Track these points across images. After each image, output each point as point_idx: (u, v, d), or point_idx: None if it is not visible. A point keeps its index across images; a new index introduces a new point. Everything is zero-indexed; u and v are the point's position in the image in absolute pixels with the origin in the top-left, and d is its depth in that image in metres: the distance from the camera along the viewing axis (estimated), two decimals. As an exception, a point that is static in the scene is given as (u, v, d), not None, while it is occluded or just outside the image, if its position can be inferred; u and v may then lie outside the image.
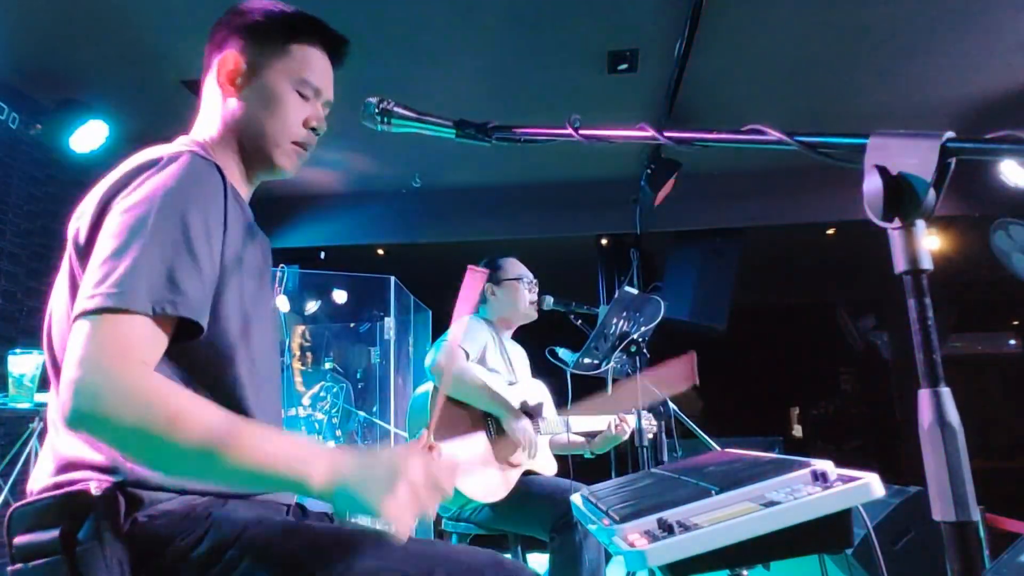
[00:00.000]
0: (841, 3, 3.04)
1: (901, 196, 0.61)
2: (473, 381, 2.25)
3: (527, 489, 2.25)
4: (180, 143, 1.09)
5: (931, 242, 5.09)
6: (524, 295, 2.57)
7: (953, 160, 0.61)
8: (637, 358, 2.14)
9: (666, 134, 0.86)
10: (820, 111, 4.07)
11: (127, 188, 0.93)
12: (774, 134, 0.75)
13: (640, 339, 2.13)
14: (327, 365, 5.41)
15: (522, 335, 2.71)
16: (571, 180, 5.12)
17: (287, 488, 0.85)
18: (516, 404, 2.39)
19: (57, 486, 0.91)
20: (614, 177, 4.99)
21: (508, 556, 2.19)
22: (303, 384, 5.13)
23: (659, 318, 2.13)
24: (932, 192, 0.61)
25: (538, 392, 2.56)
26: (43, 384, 2.86)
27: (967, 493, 0.58)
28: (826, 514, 0.89)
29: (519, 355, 2.65)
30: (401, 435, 4.44)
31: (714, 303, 5.00)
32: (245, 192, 1.17)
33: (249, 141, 1.14)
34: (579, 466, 2.44)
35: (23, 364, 2.86)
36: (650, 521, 0.91)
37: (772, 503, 0.90)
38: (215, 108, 1.14)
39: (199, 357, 0.94)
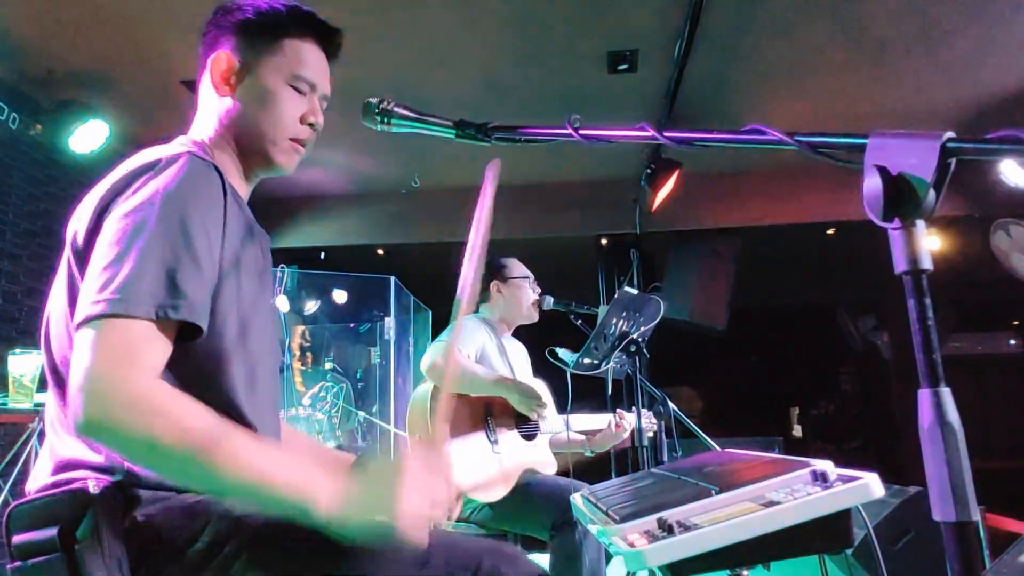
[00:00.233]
0: (841, 3, 3.04)
1: (901, 196, 0.61)
2: (475, 372, 2.26)
3: (527, 489, 2.25)
4: (178, 144, 1.09)
5: (931, 242, 5.09)
6: (529, 295, 2.58)
7: (953, 160, 0.61)
8: (637, 358, 2.14)
9: (666, 134, 0.86)
10: (820, 111, 4.07)
11: (126, 191, 0.93)
12: (774, 134, 0.75)
13: (640, 339, 2.13)
14: (327, 365, 5.41)
15: (522, 335, 2.71)
16: (571, 180, 5.12)
17: (290, 510, 0.84)
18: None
19: (55, 485, 0.91)
20: (614, 177, 4.99)
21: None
22: (303, 384, 5.13)
23: (659, 318, 2.13)
24: (932, 192, 0.61)
25: (539, 391, 2.56)
26: (43, 384, 2.86)
27: (967, 493, 0.58)
28: (826, 514, 0.89)
29: (519, 354, 2.65)
30: (401, 435, 4.44)
31: (714, 303, 5.00)
32: (244, 191, 1.17)
33: (246, 140, 1.13)
34: (579, 466, 2.44)
35: (23, 364, 2.85)
36: (650, 521, 0.91)
37: (772, 503, 0.90)
38: (211, 108, 1.14)
39: (196, 357, 0.94)
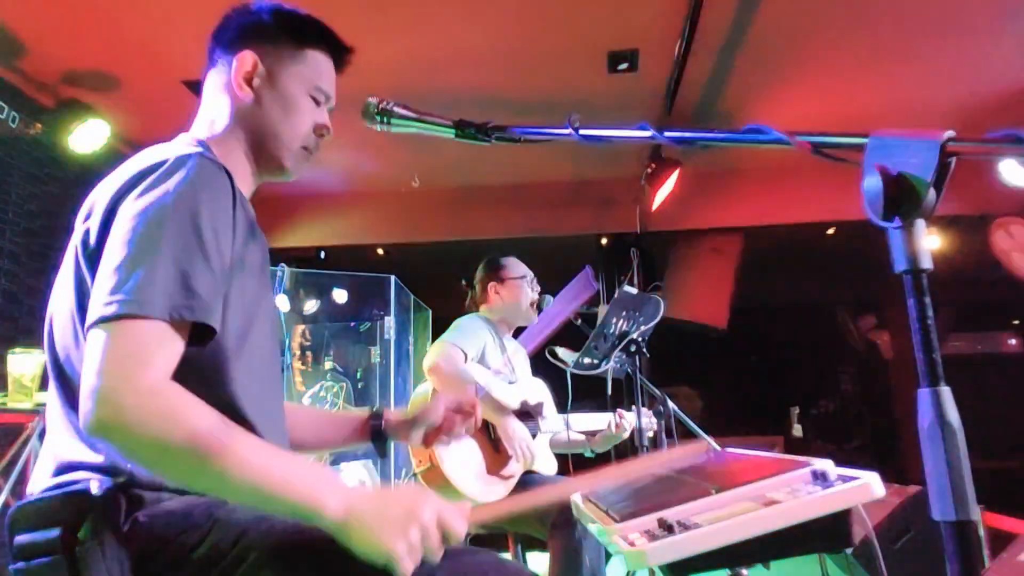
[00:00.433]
0: (841, 3, 3.04)
1: (901, 196, 0.61)
2: (468, 385, 2.25)
3: (527, 489, 2.25)
4: (184, 143, 1.09)
5: (931, 242, 5.08)
6: (527, 294, 2.57)
7: (953, 160, 0.61)
8: (637, 358, 2.14)
9: (666, 134, 0.86)
10: (820, 111, 4.07)
11: (137, 190, 0.92)
12: (774, 134, 0.75)
13: (640, 339, 2.13)
14: (327, 365, 5.41)
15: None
16: (571, 180, 5.12)
17: (299, 515, 0.85)
18: (516, 404, 2.39)
19: (57, 486, 0.91)
20: (614, 177, 4.99)
21: (508, 557, 2.20)
22: (303, 384, 5.13)
23: (659, 318, 2.13)
24: (932, 192, 0.61)
25: (538, 391, 2.56)
26: (43, 384, 2.86)
27: (967, 493, 0.58)
28: (826, 514, 0.89)
29: (519, 354, 2.65)
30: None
31: (714, 303, 5.00)
32: (248, 191, 1.17)
33: (259, 142, 1.14)
34: (579, 466, 2.44)
35: (23, 364, 2.85)
36: (650, 521, 0.91)
37: (772, 503, 0.90)
38: (223, 107, 1.14)
39: (200, 355, 0.94)
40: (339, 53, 1.21)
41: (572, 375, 2.20)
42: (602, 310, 2.14)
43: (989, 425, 6.71)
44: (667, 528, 0.87)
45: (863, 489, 0.90)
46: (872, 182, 0.62)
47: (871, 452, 7.74)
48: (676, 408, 2.27)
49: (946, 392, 0.61)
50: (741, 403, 7.86)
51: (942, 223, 5.32)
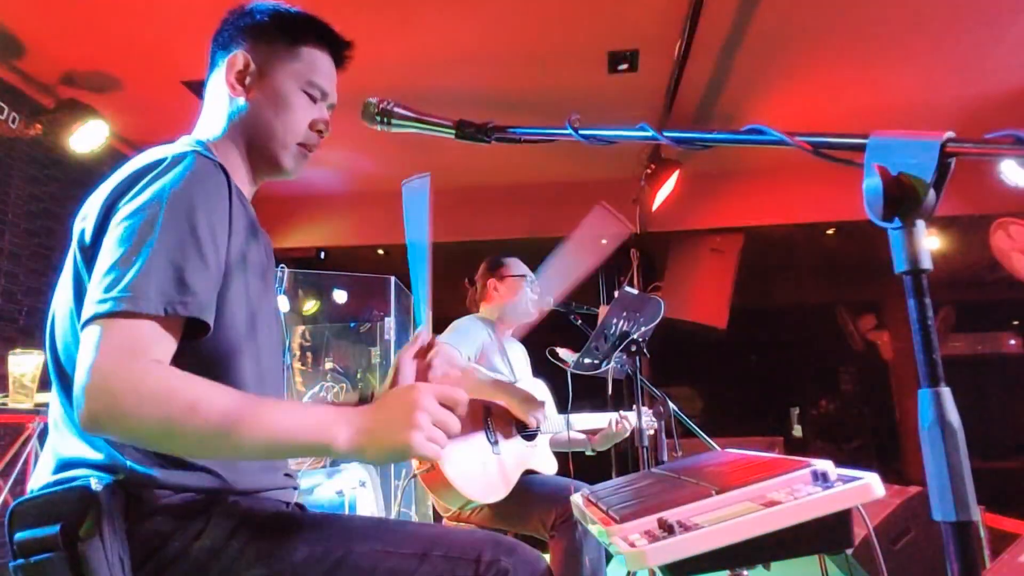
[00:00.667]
0: (841, 3, 3.04)
1: (901, 196, 0.61)
2: (474, 376, 2.26)
3: (527, 489, 2.25)
4: (183, 143, 1.09)
5: (931, 242, 5.09)
6: (527, 294, 2.57)
7: (953, 160, 0.61)
8: (637, 358, 2.14)
9: (666, 134, 0.86)
10: (820, 111, 4.07)
11: (133, 189, 0.93)
12: (774, 134, 0.75)
13: (640, 339, 2.13)
14: (327, 365, 5.41)
15: (522, 335, 2.71)
16: (571, 180, 5.12)
17: (316, 453, 0.88)
18: None
19: (57, 483, 0.91)
20: (614, 177, 4.99)
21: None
22: (303, 384, 5.13)
23: (659, 318, 2.13)
24: (932, 192, 0.61)
25: (539, 391, 2.56)
26: (43, 384, 2.86)
27: (967, 493, 0.58)
28: (826, 514, 0.89)
29: (519, 354, 2.65)
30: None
31: (714, 303, 5.01)
32: (248, 192, 1.17)
33: (256, 141, 1.14)
34: (579, 466, 2.44)
35: (23, 364, 2.86)
36: (650, 521, 0.91)
37: (772, 503, 0.90)
38: (221, 107, 1.14)
39: (205, 354, 0.95)
40: (337, 49, 1.20)
41: (572, 375, 2.20)
42: (602, 310, 2.14)
43: (989, 425, 6.72)
44: (667, 529, 0.87)
45: (863, 489, 0.90)
46: (872, 182, 0.62)
47: (871, 452, 7.74)
48: (676, 408, 2.27)
49: (946, 392, 0.61)
50: (741, 403, 7.86)
51: (942, 223, 5.33)
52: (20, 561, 0.86)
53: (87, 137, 3.51)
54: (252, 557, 0.91)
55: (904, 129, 0.64)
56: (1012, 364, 7.28)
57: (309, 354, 5.50)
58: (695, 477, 1.13)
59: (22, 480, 2.95)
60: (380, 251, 6.08)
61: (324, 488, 3.18)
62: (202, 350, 0.93)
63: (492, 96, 3.84)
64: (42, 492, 0.91)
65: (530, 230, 5.19)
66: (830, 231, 5.73)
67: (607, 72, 3.55)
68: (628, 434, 2.50)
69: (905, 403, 7.35)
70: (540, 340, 2.51)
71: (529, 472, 2.36)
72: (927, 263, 0.62)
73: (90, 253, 0.92)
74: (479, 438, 2.28)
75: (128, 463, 0.90)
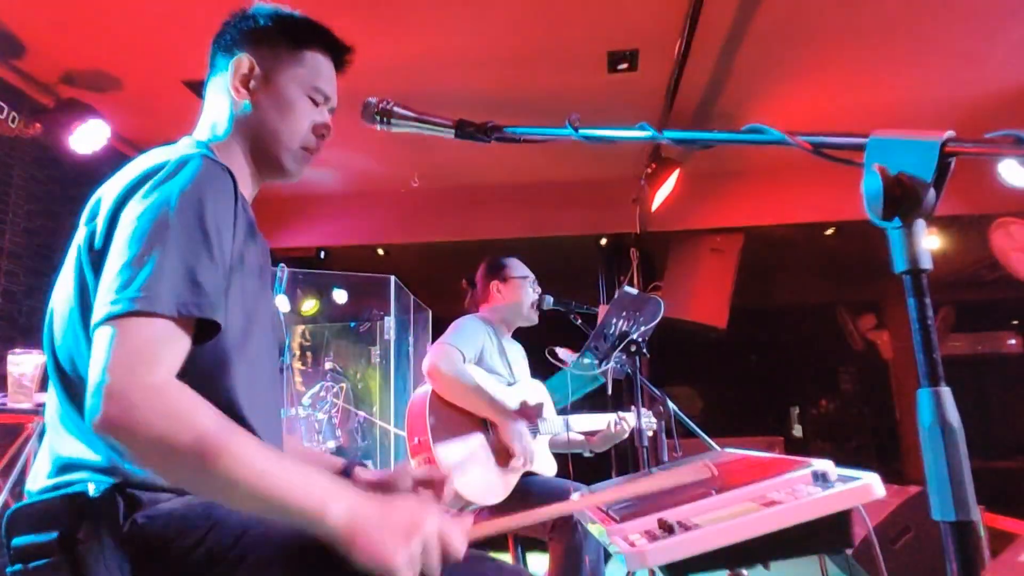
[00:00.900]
0: (841, 4, 3.04)
1: (901, 196, 0.61)
2: (468, 384, 2.25)
3: (527, 490, 2.25)
4: (186, 144, 1.09)
5: (931, 242, 5.09)
6: (529, 295, 2.57)
7: (953, 160, 0.61)
8: (637, 358, 2.14)
9: (666, 134, 0.86)
10: (820, 111, 4.07)
11: (141, 191, 0.93)
12: (774, 134, 0.75)
13: (640, 339, 2.12)
14: (327, 365, 5.41)
15: (522, 335, 2.71)
16: (571, 180, 5.12)
17: (301, 521, 0.83)
18: (515, 405, 2.39)
19: (56, 487, 0.91)
20: (614, 177, 4.99)
21: (508, 558, 2.19)
22: (303, 384, 5.13)
23: (659, 318, 2.13)
24: (932, 192, 0.61)
25: (538, 392, 2.56)
26: (43, 384, 2.86)
27: (967, 493, 0.58)
28: (826, 515, 0.89)
29: (518, 355, 2.65)
30: (400, 435, 4.44)
31: (714, 303, 5.00)
32: (249, 193, 1.18)
33: (259, 144, 1.15)
34: (579, 466, 2.44)
35: (23, 364, 2.85)
36: (650, 521, 0.91)
37: (772, 503, 0.90)
38: (223, 110, 1.15)
39: (199, 355, 0.94)
40: (338, 53, 1.21)
41: (571, 375, 2.20)
42: (602, 310, 2.14)
43: (989, 425, 6.72)
44: (667, 529, 0.87)
45: (863, 489, 0.90)
46: (872, 182, 0.62)
47: (871, 452, 7.74)
48: (676, 408, 2.27)
49: (946, 392, 0.61)
50: (741, 403, 7.86)
51: (942, 223, 5.32)
52: (18, 567, 0.86)
53: (87, 137, 3.50)
54: (252, 566, 0.90)
55: (904, 129, 0.64)
56: (1012, 364, 7.28)
57: (309, 354, 5.51)
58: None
59: (21, 480, 2.94)
60: (380, 251, 6.08)
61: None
62: (196, 352, 0.92)
63: (492, 96, 3.84)
64: (40, 497, 0.90)
65: (530, 230, 5.19)
66: (830, 231, 5.73)
67: (607, 72, 3.55)
68: (627, 435, 2.50)
69: (905, 403, 7.35)
70: (540, 340, 2.51)
71: (528, 474, 2.35)
72: (927, 263, 0.62)
73: (97, 255, 0.92)
74: (478, 439, 2.28)
75: (127, 466, 0.90)
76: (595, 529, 1.05)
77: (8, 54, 3.30)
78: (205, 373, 0.96)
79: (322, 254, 5.54)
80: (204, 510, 0.93)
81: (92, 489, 0.87)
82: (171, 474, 0.85)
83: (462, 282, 2.75)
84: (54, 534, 0.85)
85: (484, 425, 2.30)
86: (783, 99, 3.95)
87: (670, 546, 0.85)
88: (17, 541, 0.87)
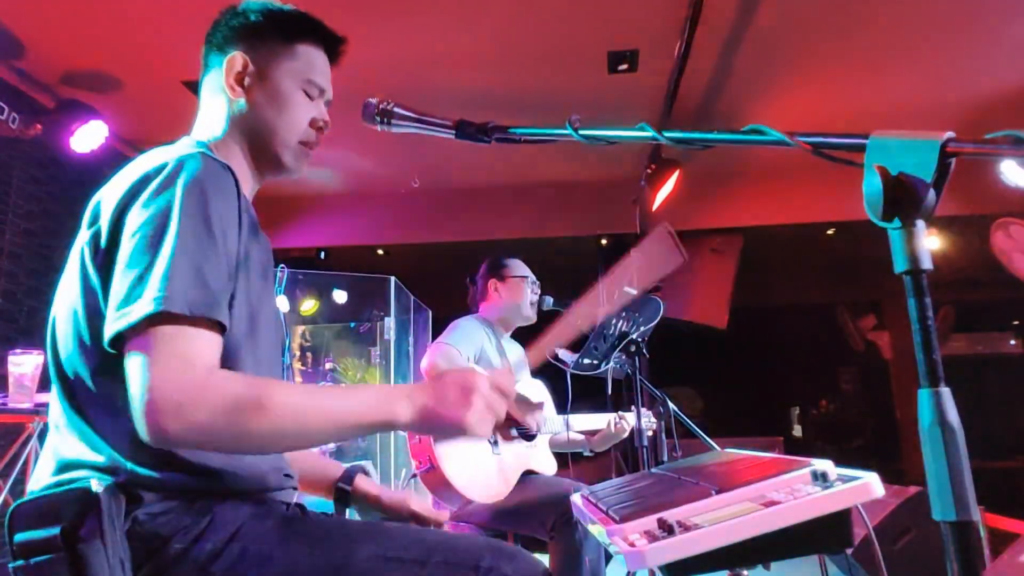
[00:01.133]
0: (841, 3, 3.04)
1: (901, 196, 0.61)
2: None
3: (527, 489, 2.25)
4: (185, 144, 1.09)
5: (931, 242, 5.09)
6: (528, 295, 2.58)
7: (953, 160, 0.61)
8: (637, 358, 2.14)
9: (666, 134, 0.86)
10: (820, 111, 4.07)
11: (144, 193, 0.92)
12: (774, 134, 0.75)
13: (639, 339, 2.13)
14: (327, 365, 5.41)
15: (522, 335, 2.71)
16: (571, 180, 5.12)
17: (379, 429, 0.95)
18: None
19: (58, 484, 0.91)
20: (614, 177, 4.99)
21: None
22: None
23: (659, 318, 2.13)
24: (932, 192, 0.61)
25: (538, 391, 2.56)
26: (43, 384, 2.86)
27: (967, 493, 0.58)
28: (826, 514, 0.89)
29: (518, 355, 2.65)
30: (400, 435, 4.44)
31: (714, 303, 5.01)
32: (250, 191, 1.18)
33: (258, 141, 1.14)
34: (579, 466, 2.44)
35: (23, 364, 2.85)
36: (650, 521, 0.91)
37: (772, 503, 0.90)
38: (220, 109, 1.14)
39: None
40: (331, 45, 1.20)
41: (572, 375, 2.20)
42: (602, 311, 2.14)
43: (989, 425, 6.72)
44: (667, 529, 0.87)
45: (863, 489, 0.90)
46: (872, 182, 0.62)
47: (871, 452, 7.75)
48: (676, 408, 2.27)
49: (946, 392, 0.61)
50: (741, 403, 7.86)
51: (942, 223, 5.33)
52: (20, 562, 0.86)
53: (87, 137, 3.50)
54: (252, 561, 0.91)
55: (904, 129, 0.64)
56: (1012, 364, 7.29)
57: (309, 354, 5.51)
58: (695, 477, 1.13)
59: (22, 480, 2.95)
60: (380, 251, 6.08)
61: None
62: None
63: (492, 96, 3.84)
64: (42, 493, 0.91)
65: (530, 230, 5.20)
66: (830, 231, 5.73)
67: (607, 72, 3.55)
68: (627, 435, 2.50)
69: (905, 403, 7.35)
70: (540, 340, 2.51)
71: (529, 472, 2.36)
72: (927, 263, 0.62)
73: (103, 258, 0.92)
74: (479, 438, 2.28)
75: (129, 464, 0.90)
76: (595, 529, 1.05)
77: (8, 54, 3.30)
78: None
79: (322, 254, 5.54)
80: (205, 506, 0.93)
81: (95, 486, 0.87)
82: (253, 448, 0.92)
83: (466, 279, 2.75)
84: (56, 530, 0.85)
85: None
86: (783, 99, 3.96)
87: (670, 546, 0.85)
88: (19, 537, 0.87)
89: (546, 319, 2.64)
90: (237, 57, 1.12)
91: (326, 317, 5.79)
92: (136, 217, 0.90)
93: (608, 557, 2.16)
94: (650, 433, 2.40)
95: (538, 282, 2.65)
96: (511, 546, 1.05)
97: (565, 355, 2.30)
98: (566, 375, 2.23)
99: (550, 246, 5.30)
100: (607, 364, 2.17)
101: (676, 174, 4.24)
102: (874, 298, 7.61)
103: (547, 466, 2.47)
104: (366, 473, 1.30)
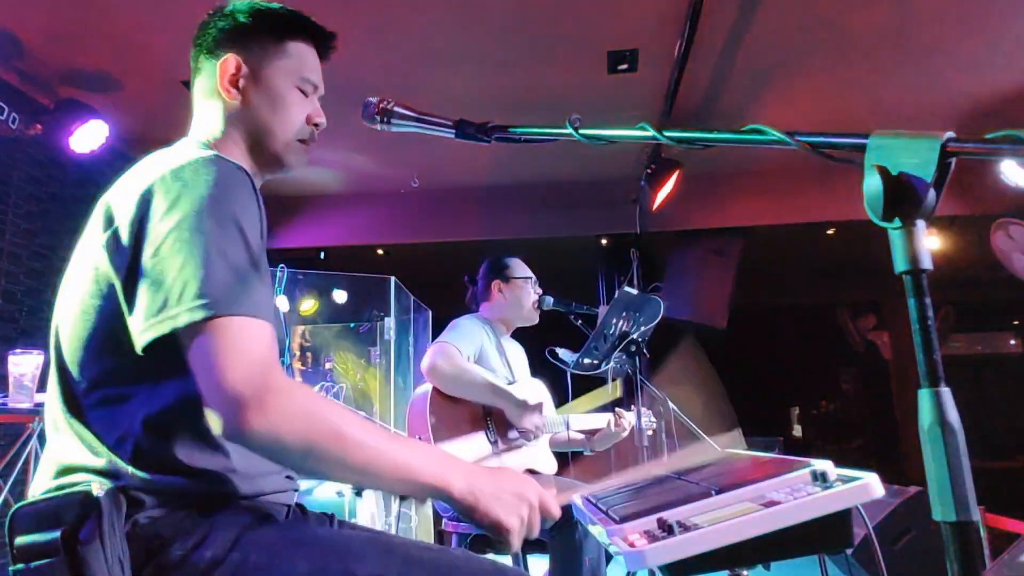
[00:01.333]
0: (841, 3, 3.04)
1: (901, 196, 0.61)
2: (473, 378, 2.25)
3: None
4: (189, 146, 1.08)
5: (931, 242, 5.09)
6: (530, 296, 2.58)
7: (953, 160, 0.61)
8: (637, 358, 2.14)
9: (666, 134, 0.86)
10: (820, 111, 4.07)
11: (168, 195, 0.91)
12: (774, 134, 0.75)
13: (640, 339, 2.13)
14: (327, 365, 5.41)
15: (522, 335, 2.71)
16: (571, 180, 5.12)
17: (428, 496, 0.93)
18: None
19: (58, 488, 0.91)
20: (614, 177, 4.99)
21: (508, 559, 2.19)
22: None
23: (659, 318, 2.13)
24: (932, 192, 0.61)
25: (537, 391, 2.56)
26: (43, 384, 2.86)
27: (967, 493, 0.58)
28: (826, 514, 0.89)
29: (517, 354, 2.65)
30: (399, 435, 4.43)
31: (714, 303, 5.01)
32: None
33: (256, 142, 1.14)
34: (579, 466, 2.44)
35: (23, 364, 2.85)
36: (650, 521, 0.91)
37: (772, 503, 0.90)
38: (215, 112, 1.14)
39: None
40: (321, 41, 1.21)
41: (572, 375, 2.21)
42: (602, 311, 2.14)
43: (989, 425, 6.72)
44: (667, 529, 0.87)
45: (863, 489, 0.90)
46: (872, 182, 0.62)
47: (871, 452, 7.75)
48: (676, 409, 2.27)
49: (946, 392, 0.61)
50: (741, 403, 7.86)
51: (942, 223, 5.33)
52: (20, 566, 0.86)
53: (87, 137, 3.50)
54: (252, 569, 0.90)
55: (904, 129, 0.64)
56: (1012, 364, 7.29)
57: (309, 354, 5.51)
58: (695, 477, 1.13)
59: (22, 480, 2.95)
60: (380, 251, 6.08)
61: (324, 488, 3.18)
62: None
63: (492, 96, 3.84)
64: (42, 497, 0.90)
65: (530, 230, 5.19)
66: (830, 231, 5.73)
67: (607, 72, 3.55)
68: (626, 434, 2.50)
69: (905, 403, 7.35)
70: (540, 340, 2.52)
71: (529, 472, 2.36)
72: (927, 263, 0.62)
73: (127, 261, 0.90)
74: (479, 438, 2.28)
75: (130, 468, 0.90)
76: (595, 529, 1.05)
77: (8, 54, 3.30)
78: None
79: (322, 254, 5.54)
80: (206, 511, 0.93)
81: (95, 489, 0.87)
82: (309, 468, 0.89)
83: (464, 278, 2.75)
84: (57, 533, 0.85)
85: (486, 423, 2.31)
86: (783, 99, 3.95)
87: (670, 546, 0.85)
88: (20, 540, 0.87)
89: (547, 318, 2.64)
90: (230, 59, 1.12)
91: (326, 317, 5.78)
92: (162, 221, 0.89)
93: (608, 557, 2.16)
94: (650, 433, 2.40)
95: (538, 282, 2.65)
96: (515, 570, 1.05)
97: (565, 355, 2.30)
98: (566, 375, 2.23)
99: (550, 246, 5.29)
100: (607, 364, 2.17)
101: (676, 174, 4.24)
102: (874, 298, 7.61)
103: (547, 466, 2.47)
104: None
